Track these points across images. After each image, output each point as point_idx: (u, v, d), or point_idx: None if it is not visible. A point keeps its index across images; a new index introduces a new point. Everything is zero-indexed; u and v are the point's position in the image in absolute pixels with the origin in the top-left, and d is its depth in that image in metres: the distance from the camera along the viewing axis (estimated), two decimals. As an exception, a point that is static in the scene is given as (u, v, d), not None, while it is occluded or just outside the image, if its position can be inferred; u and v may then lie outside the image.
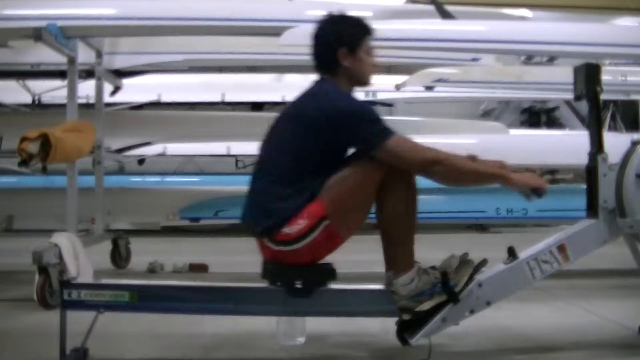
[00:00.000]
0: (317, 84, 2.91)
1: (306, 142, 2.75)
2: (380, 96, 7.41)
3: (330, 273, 2.83)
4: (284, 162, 2.79)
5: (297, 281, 2.81)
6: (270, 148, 2.88)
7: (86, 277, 3.10)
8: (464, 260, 2.84)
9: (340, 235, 2.77)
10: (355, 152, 2.84)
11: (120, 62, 5.40)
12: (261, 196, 2.81)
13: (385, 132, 2.73)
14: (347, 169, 2.76)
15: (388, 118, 8.11)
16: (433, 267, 2.86)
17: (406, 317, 2.80)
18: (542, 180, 2.85)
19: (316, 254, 2.78)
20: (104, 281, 2.94)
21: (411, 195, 2.82)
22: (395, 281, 2.78)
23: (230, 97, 7.13)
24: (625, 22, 5.23)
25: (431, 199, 6.72)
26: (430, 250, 2.99)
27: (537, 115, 10.82)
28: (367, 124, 2.73)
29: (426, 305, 2.76)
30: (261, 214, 2.79)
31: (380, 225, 2.83)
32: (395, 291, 2.78)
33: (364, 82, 2.94)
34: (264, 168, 2.86)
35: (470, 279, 2.80)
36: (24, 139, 3.81)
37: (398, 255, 2.81)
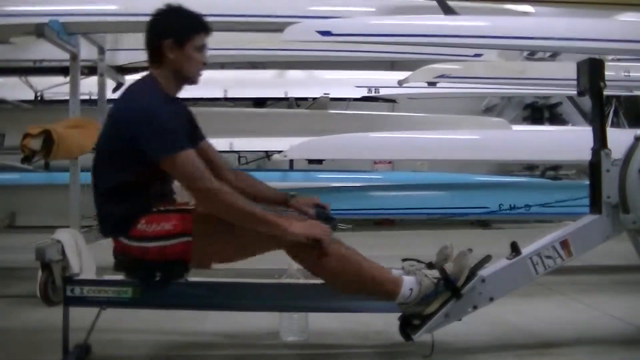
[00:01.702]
0: (136, 81, 2.85)
1: (116, 142, 2.70)
2: (383, 92, 7.42)
3: (180, 269, 2.77)
4: (107, 161, 2.76)
5: (152, 274, 2.75)
6: (98, 147, 2.86)
7: (89, 274, 3.11)
8: (460, 253, 2.82)
9: (191, 256, 2.71)
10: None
11: (122, 59, 5.40)
12: (97, 196, 2.80)
13: (174, 147, 2.61)
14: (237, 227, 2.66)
15: (391, 114, 8.14)
16: (430, 264, 2.85)
17: (417, 322, 2.80)
18: (320, 229, 2.67)
19: (164, 257, 2.71)
20: (107, 277, 2.94)
21: (333, 255, 2.69)
22: (397, 302, 2.77)
23: (232, 93, 7.14)
24: (628, 18, 5.20)
25: (433, 195, 6.72)
26: (432, 247, 2.98)
27: (539, 111, 10.78)
28: (158, 134, 2.61)
29: (433, 307, 2.76)
30: (103, 214, 2.79)
31: (337, 286, 2.77)
32: (400, 303, 2.78)
33: (189, 78, 2.83)
34: (95, 167, 2.81)
35: (472, 273, 2.80)
36: (26, 136, 3.81)
37: (379, 293, 2.77)
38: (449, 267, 2.78)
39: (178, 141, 2.62)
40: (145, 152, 2.62)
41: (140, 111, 2.65)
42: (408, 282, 2.76)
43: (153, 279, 2.74)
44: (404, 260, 2.86)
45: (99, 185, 2.78)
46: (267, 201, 2.89)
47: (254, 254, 2.77)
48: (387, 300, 2.77)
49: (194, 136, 2.89)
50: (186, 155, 2.62)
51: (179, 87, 2.85)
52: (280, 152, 6.13)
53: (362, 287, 2.75)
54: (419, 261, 2.88)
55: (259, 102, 8.60)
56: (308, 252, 2.67)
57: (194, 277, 2.87)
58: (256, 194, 2.91)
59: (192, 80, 2.84)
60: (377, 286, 2.74)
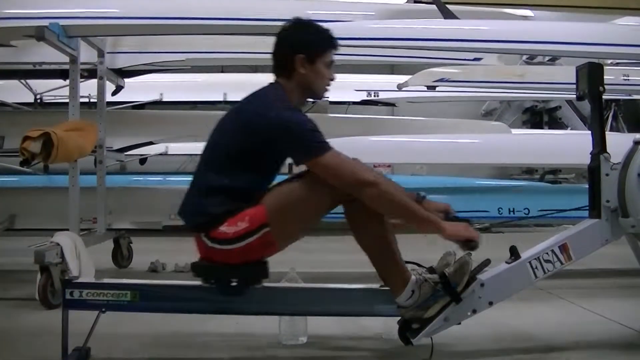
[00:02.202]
0: (267, 87, 2.88)
1: (242, 144, 2.73)
2: (383, 96, 7.43)
3: (263, 271, 2.80)
4: (217, 159, 2.78)
5: (230, 280, 2.79)
6: (209, 144, 2.86)
7: (88, 277, 3.11)
8: (461, 258, 2.83)
9: (277, 245, 2.75)
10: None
11: (122, 62, 5.40)
12: (196, 192, 2.80)
13: (321, 145, 2.67)
14: (301, 182, 2.74)
15: (390, 118, 8.14)
16: (431, 268, 2.85)
17: (416, 326, 2.80)
18: (475, 232, 2.76)
19: (248, 257, 2.75)
20: (106, 280, 2.94)
21: (378, 216, 2.77)
22: (398, 298, 2.78)
23: (232, 97, 7.13)
24: (627, 22, 5.21)
25: (432, 199, 6.71)
26: (432, 250, 2.99)
27: (539, 115, 10.82)
28: (303, 136, 2.68)
29: (432, 311, 2.76)
30: (194, 209, 2.78)
31: (363, 249, 2.80)
32: (400, 306, 2.78)
33: (316, 93, 2.89)
34: (203, 166, 2.85)
35: (472, 278, 2.80)
36: (26, 138, 3.81)
37: (389, 278, 2.80)
38: (449, 271, 2.78)
39: (325, 142, 2.68)
40: (282, 157, 2.77)
41: (283, 117, 2.69)
42: (411, 284, 2.77)
43: (230, 285, 2.79)
44: (405, 263, 2.86)
45: (203, 179, 2.79)
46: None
47: (323, 213, 2.79)
48: (392, 289, 2.78)
49: None
50: (336, 151, 2.69)
51: (303, 100, 2.91)
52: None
53: (385, 258, 2.78)
54: (419, 265, 2.89)
55: (259, 106, 8.59)
56: (359, 210, 2.72)
57: (192, 281, 2.87)
58: None
59: (319, 95, 2.91)
60: (396, 267, 2.78)
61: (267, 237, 2.70)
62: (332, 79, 2.89)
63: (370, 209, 2.71)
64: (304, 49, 2.81)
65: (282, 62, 2.86)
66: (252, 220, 2.69)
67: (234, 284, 2.80)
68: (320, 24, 2.90)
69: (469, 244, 2.72)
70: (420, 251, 2.89)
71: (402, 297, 2.77)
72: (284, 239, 2.76)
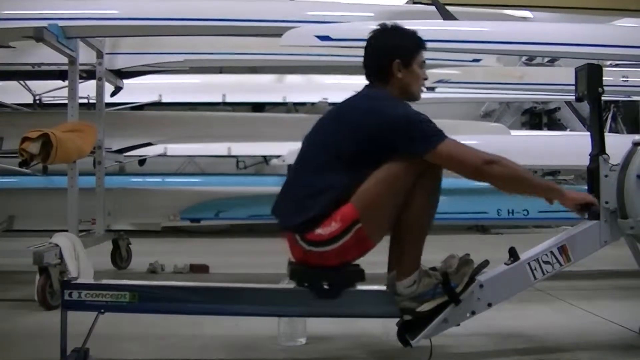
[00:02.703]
0: (369, 88, 2.92)
1: (349, 143, 2.75)
2: (382, 97, 7.40)
3: (358, 274, 2.82)
4: (322, 160, 2.79)
5: (325, 282, 2.81)
6: (311, 145, 2.89)
7: (87, 278, 3.11)
8: (464, 260, 2.84)
9: (371, 240, 2.76)
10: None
11: (121, 63, 5.40)
12: (294, 191, 2.82)
13: (439, 135, 2.73)
14: (379, 172, 2.74)
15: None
16: (434, 268, 2.86)
17: (407, 317, 2.80)
18: (593, 198, 2.94)
19: (345, 257, 2.77)
20: (105, 281, 2.94)
21: (435, 200, 2.84)
22: (398, 283, 2.77)
23: (231, 98, 7.15)
24: (626, 23, 5.22)
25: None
26: (431, 251, 2.98)
27: (538, 117, 10.80)
28: (420, 128, 2.73)
29: (427, 306, 2.76)
30: (293, 208, 2.78)
31: (396, 226, 2.80)
32: (397, 292, 2.78)
33: (414, 95, 2.93)
34: (301, 164, 2.88)
35: (472, 280, 2.80)
36: (25, 139, 3.81)
37: (406, 259, 2.81)
38: (451, 272, 2.79)
39: (441, 130, 2.74)
40: (409, 149, 2.72)
41: (398, 113, 2.75)
42: (417, 274, 2.78)
43: (324, 288, 2.80)
44: None
45: (306, 180, 2.80)
46: None
47: (404, 192, 2.77)
48: (400, 270, 2.79)
49: None
50: (452, 139, 2.75)
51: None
52: (278, 156, 6.13)
53: (413, 238, 2.81)
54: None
55: (258, 107, 8.61)
56: (423, 181, 2.75)
57: (191, 282, 2.87)
58: None
59: (416, 97, 2.94)
60: (415, 251, 2.81)
61: (360, 233, 2.71)
62: (426, 79, 2.95)
63: (435, 185, 2.80)
64: (398, 54, 2.86)
65: (378, 69, 2.90)
66: (343, 219, 2.70)
67: (327, 287, 2.81)
68: (407, 27, 2.95)
69: (589, 208, 2.87)
70: (424, 253, 2.88)
71: (404, 283, 2.77)
72: (376, 231, 2.76)
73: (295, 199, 2.80)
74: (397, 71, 2.86)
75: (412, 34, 2.94)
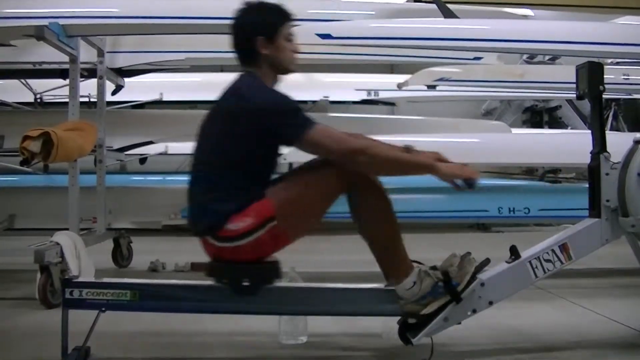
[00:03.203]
0: (239, 78, 2.87)
1: (233, 138, 2.72)
2: (383, 95, 7.42)
3: (275, 271, 2.81)
4: (216, 162, 2.75)
5: (243, 279, 2.78)
6: (202, 148, 2.84)
7: (88, 276, 3.11)
8: (465, 259, 2.84)
9: (286, 238, 2.74)
10: (316, 160, 2.82)
11: (122, 61, 5.39)
12: (198, 195, 2.79)
13: (306, 122, 2.68)
14: (304, 172, 2.76)
15: (390, 117, 8.13)
16: (434, 267, 2.85)
17: (412, 320, 2.80)
18: (472, 171, 2.76)
19: (260, 252, 2.74)
20: (106, 280, 2.94)
21: (383, 201, 2.79)
22: (398, 287, 2.77)
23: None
24: (627, 21, 5.21)
25: (433, 198, 6.71)
26: (432, 250, 2.99)
27: (539, 115, 10.80)
28: (287, 116, 2.69)
29: (431, 307, 2.75)
30: (200, 213, 2.77)
31: (365, 239, 2.80)
32: (399, 296, 2.78)
33: (287, 69, 2.87)
34: (198, 168, 2.83)
35: (473, 278, 2.80)
36: (25, 138, 3.81)
37: (393, 264, 2.80)
38: (452, 270, 2.78)
39: (309, 117, 2.70)
40: (278, 140, 2.73)
41: (266, 100, 2.72)
42: (414, 275, 2.77)
43: (243, 285, 2.78)
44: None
45: (202, 181, 2.78)
46: None
47: (329, 202, 2.78)
48: (394, 276, 2.78)
49: None
50: (322, 126, 2.69)
51: (275, 80, 2.88)
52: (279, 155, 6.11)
53: (389, 246, 2.79)
54: (420, 263, 2.88)
55: (259, 105, 8.58)
56: (362, 194, 2.74)
57: (192, 280, 2.87)
58: None
59: (289, 69, 2.88)
60: (399, 254, 2.80)
61: (275, 230, 2.69)
62: (296, 51, 2.89)
63: (376, 192, 2.76)
64: (261, 30, 2.80)
65: (244, 50, 2.85)
66: (258, 214, 2.68)
67: (246, 284, 2.79)
68: (269, 1, 2.87)
69: (467, 182, 2.72)
70: (418, 250, 2.88)
71: (404, 285, 2.76)
72: (292, 231, 2.75)
73: (198, 203, 2.79)
74: (263, 48, 2.79)
75: (274, 8, 2.87)
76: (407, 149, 2.84)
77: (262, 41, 2.79)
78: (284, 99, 2.74)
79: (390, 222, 2.79)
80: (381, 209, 2.78)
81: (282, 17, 2.86)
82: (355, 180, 2.73)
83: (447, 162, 2.77)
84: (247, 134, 2.69)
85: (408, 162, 2.76)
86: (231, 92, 2.82)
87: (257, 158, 2.75)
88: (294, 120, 2.68)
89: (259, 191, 2.72)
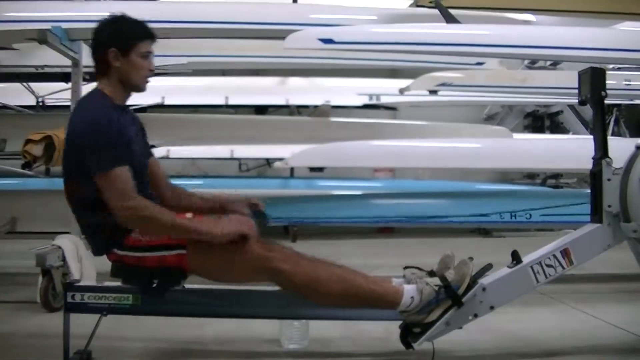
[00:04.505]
0: (86, 94, 2.87)
1: (71, 152, 2.73)
2: (384, 100, 7.43)
3: (181, 273, 2.75)
4: (74, 174, 2.74)
5: (150, 281, 2.75)
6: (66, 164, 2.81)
7: (89, 280, 3.11)
8: (460, 261, 2.82)
9: (188, 268, 2.71)
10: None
11: (124, 65, 5.40)
12: (77, 211, 2.80)
13: (105, 165, 2.60)
14: (230, 249, 2.64)
15: (392, 122, 8.14)
16: (432, 272, 2.85)
17: (417, 330, 2.79)
18: (246, 226, 2.67)
19: (163, 264, 2.70)
20: (107, 284, 2.94)
21: (307, 271, 2.70)
22: (398, 310, 2.76)
23: (233, 100, 7.15)
24: (629, 27, 5.22)
25: (434, 203, 6.71)
26: (433, 255, 2.98)
27: (540, 120, 10.78)
28: (94, 152, 2.61)
29: (435, 314, 2.75)
30: (87, 231, 2.82)
31: (332, 306, 2.79)
32: (402, 311, 2.77)
33: (136, 86, 2.83)
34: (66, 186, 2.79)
35: (474, 282, 2.80)
36: (28, 141, 3.82)
37: (376, 304, 2.77)
38: (450, 275, 2.78)
39: (113, 159, 2.61)
40: (86, 165, 2.64)
41: (84, 125, 2.68)
42: (409, 291, 2.75)
43: (150, 286, 2.74)
44: (405, 268, 2.85)
45: (75, 200, 2.77)
46: (204, 211, 2.87)
47: (241, 279, 2.76)
48: (390, 308, 2.76)
49: (145, 145, 2.95)
50: (119, 174, 2.60)
51: (126, 95, 2.86)
52: (281, 159, 6.13)
53: (362, 301, 2.75)
54: (420, 269, 2.88)
55: (260, 109, 8.61)
56: (285, 279, 2.67)
57: (194, 284, 2.87)
58: (191, 205, 2.93)
59: (139, 87, 2.84)
60: (377, 298, 2.74)
61: (181, 258, 2.67)
62: (151, 70, 2.85)
63: (295, 269, 2.67)
64: (115, 42, 2.77)
65: (97, 60, 2.82)
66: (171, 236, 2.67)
67: (155, 285, 2.75)
68: (133, 17, 2.86)
69: (242, 240, 2.63)
70: (419, 255, 2.88)
71: (402, 306, 2.75)
72: (196, 268, 2.71)
73: (86, 224, 2.83)
74: (113, 60, 2.76)
75: (135, 23, 2.84)
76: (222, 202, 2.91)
77: (115, 53, 2.76)
78: (101, 131, 2.64)
79: (331, 281, 2.71)
80: (312, 279, 2.69)
81: (141, 33, 2.83)
82: (271, 272, 2.67)
83: (260, 216, 2.82)
84: (75, 154, 2.69)
85: (186, 228, 2.64)
86: (76, 106, 2.86)
87: (85, 176, 2.66)
88: (96, 159, 2.61)
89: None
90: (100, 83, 2.82)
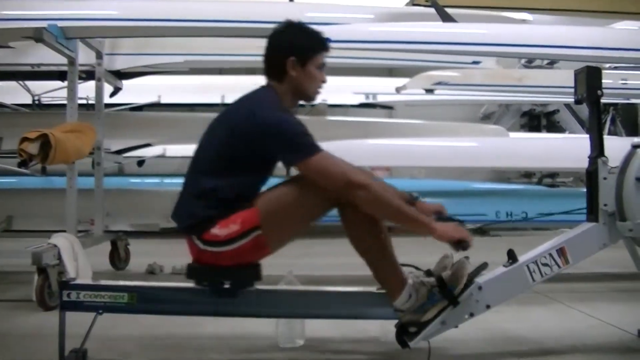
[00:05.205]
0: (258, 90, 2.88)
1: (232, 146, 2.73)
2: (381, 99, 7.43)
3: (255, 273, 2.81)
4: (208, 161, 2.78)
5: (223, 282, 2.80)
6: (202, 149, 2.86)
7: (85, 278, 3.10)
8: (459, 262, 2.83)
9: (269, 248, 2.74)
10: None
11: (120, 63, 5.40)
12: (187, 195, 2.80)
13: (310, 148, 2.66)
14: (294, 185, 2.74)
15: (388, 121, 8.14)
16: (429, 271, 2.85)
17: (413, 329, 2.79)
18: (465, 232, 2.74)
19: (239, 260, 2.75)
20: (103, 282, 2.94)
21: (375, 224, 2.76)
22: (394, 303, 2.77)
23: (230, 99, 7.06)
24: (625, 26, 5.23)
25: (431, 202, 6.71)
26: (429, 254, 2.99)
27: (537, 119, 10.82)
28: (293, 138, 2.67)
29: (430, 314, 2.76)
30: (186, 212, 2.78)
31: (359, 253, 2.79)
32: (397, 309, 2.78)
33: (308, 96, 2.88)
34: (194, 168, 2.84)
35: (470, 281, 2.80)
36: (24, 140, 3.81)
37: (386, 282, 2.80)
38: (446, 275, 2.78)
39: (315, 144, 2.67)
40: (272, 159, 2.73)
41: (273, 119, 2.69)
42: (409, 288, 2.76)
43: (223, 287, 2.80)
44: (402, 266, 2.86)
45: (194, 182, 2.78)
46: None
47: (316, 217, 2.78)
48: (389, 293, 2.78)
49: None
50: (326, 153, 2.67)
51: (295, 103, 2.90)
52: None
53: (381, 261, 2.77)
54: (417, 268, 2.89)
55: (257, 108, 8.59)
56: (354, 213, 2.70)
57: (189, 283, 2.87)
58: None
59: (311, 98, 2.89)
60: (390, 269, 2.78)
61: (259, 240, 2.70)
62: (324, 81, 2.89)
63: (363, 214, 2.70)
64: (295, 51, 2.81)
65: (273, 65, 2.86)
66: (244, 222, 2.69)
67: (227, 286, 2.80)
68: (313, 26, 2.90)
69: (460, 244, 2.69)
70: (418, 254, 2.88)
71: (399, 301, 2.76)
72: (275, 242, 2.75)
73: (186, 203, 2.80)
74: (291, 69, 2.81)
75: (314, 34, 2.88)
76: (412, 197, 2.90)
77: (293, 62, 2.80)
78: (292, 121, 2.71)
79: (379, 238, 2.77)
80: (370, 225, 2.75)
81: (320, 45, 2.88)
82: (346, 198, 2.70)
83: (445, 220, 2.81)
84: (250, 147, 2.70)
85: (406, 215, 2.70)
86: (243, 104, 2.83)
87: (252, 171, 2.75)
88: (297, 145, 2.66)
89: (248, 200, 2.73)
90: (272, 84, 2.87)
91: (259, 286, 2.88)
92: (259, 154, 2.71)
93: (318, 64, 2.85)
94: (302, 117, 2.79)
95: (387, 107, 8.76)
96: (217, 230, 2.69)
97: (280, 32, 2.89)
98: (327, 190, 2.68)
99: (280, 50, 2.83)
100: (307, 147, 2.66)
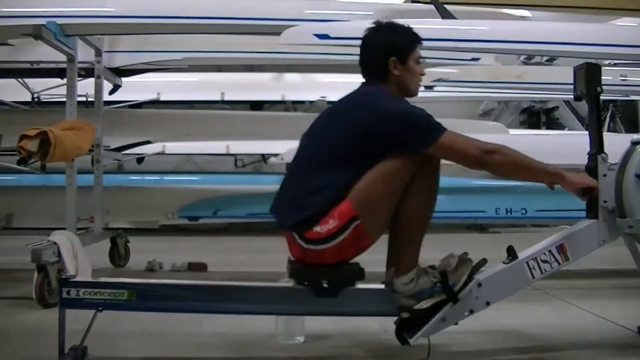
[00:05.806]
0: (368, 87, 2.91)
1: (347, 140, 2.75)
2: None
3: (358, 273, 2.82)
4: (319, 158, 2.79)
5: (324, 281, 2.81)
6: (309, 143, 2.89)
7: (85, 276, 3.10)
8: (462, 259, 2.84)
9: (370, 236, 2.75)
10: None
11: (119, 61, 5.40)
12: (292, 189, 2.82)
13: (439, 128, 2.74)
14: (376, 168, 2.74)
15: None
16: (432, 267, 2.86)
17: (405, 315, 2.80)
18: (594, 181, 2.95)
19: (343, 255, 2.76)
20: (103, 280, 2.93)
21: (433, 196, 2.83)
22: (396, 280, 2.78)
23: (229, 96, 7.14)
24: (625, 23, 5.21)
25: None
26: (430, 250, 2.99)
27: (536, 115, 10.81)
28: (420, 123, 2.73)
29: (425, 304, 2.76)
30: (292, 206, 2.78)
31: (395, 222, 2.80)
32: (395, 289, 2.78)
33: (412, 92, 2.93)
34: (299, 162, 2.87)
35: (470, 278, 2.80)
36: (23, 137, 3.81)
37: (404, 255, 2.80)
38: (449, 272, 2.79)
39: (439, 123, 2.75)
40: (404, 148, 2.72)
41: (401, 111, 2.76)
42: (414, 272, 2.78)
43: (323, 286, 2.80)
44: None
45: (304, 178, 2.80)
46: None
47: (403, 188, 2.77)
48: (399, 267, 2.79)
49: None
50: (452, 131, 2.77)
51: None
52: (277, 155, 6.13)
53: (416, 234, 2.81)
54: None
55: (256, 105, 8.61)
56: (419, 176, 2.76)
57: (189, 280, 2.87)
58: None
59: (414, 93, 2.95)
60: (414, 246, 2.81)
61: (358, 230, 2.70)
62: (423, 74, 2.95)
63: (431, 179, 2.80)
64: (394, 51, 2.86)
65: (374, 67, 2.90)
66: (341, 216, 2.70)
67: (326, 285, 2.81)
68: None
69: (591, 192, 2.91)
70: (422, 252, 2.88)
71: (402, 280, 2.76)
72: (374, 227, 2.75)
73: (293, 198, 2.80)
74: (393, 68, 2.85)
75: (407, 30, 2.93)
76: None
77: (395, 62, 2.85)
78: (416, 109, 2.78)
79: (428, 214, 2.83)
80: (427, 197, 2.81)
81: (415, 40, 2.93)
82: (421, 163, 2.75)
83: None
84: (371, 140, 2.72)
85: (540, 167, 2.85)
86: (360, 101, 2.85)
87: (366, 165, 2.75)
88: (428, 129, 2.73)
89: (333, 204, 2.73)
90: (374, 82, 2.90)
91: (262, 284, 2.88)
92: (382, 145, 2.73)
93: (416, 59, 2.91)
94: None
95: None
96: (319, 228, 2.70)
97: (374, 34, 2.94)
98: (408, 162, 2.73)
99: (379, 52, 2.88)
100: (437, 130, 2.73)
